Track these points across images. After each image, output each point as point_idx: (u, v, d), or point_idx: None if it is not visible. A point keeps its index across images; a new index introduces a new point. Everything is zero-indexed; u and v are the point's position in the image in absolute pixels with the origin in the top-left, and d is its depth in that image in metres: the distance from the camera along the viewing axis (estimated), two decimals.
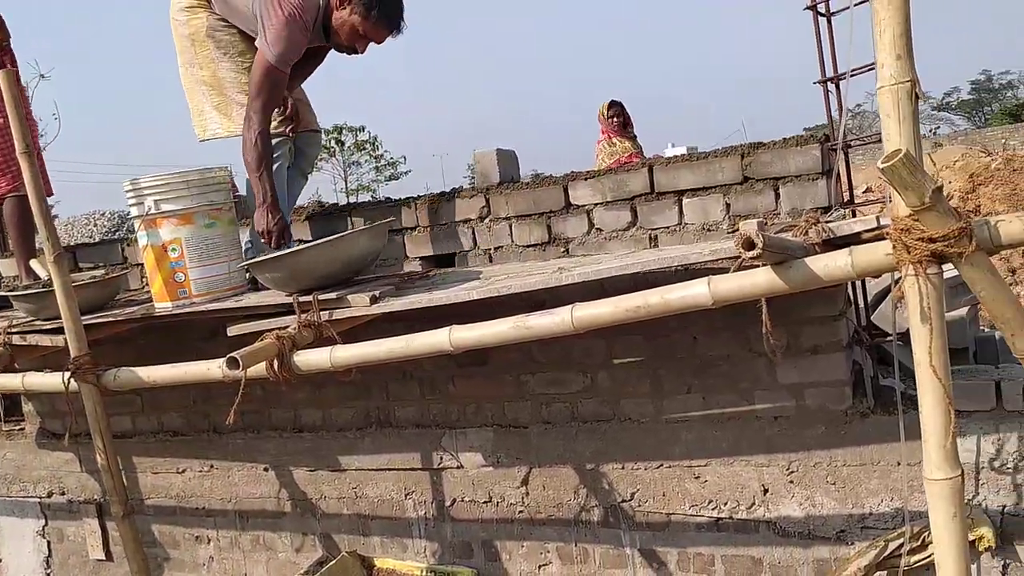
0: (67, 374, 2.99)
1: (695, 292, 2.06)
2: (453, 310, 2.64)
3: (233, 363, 2.48)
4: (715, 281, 2.04)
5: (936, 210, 1.70)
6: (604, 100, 6.95)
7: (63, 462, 4.38)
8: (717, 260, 2.34)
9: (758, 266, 2.04)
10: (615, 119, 6.89)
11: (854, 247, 1.91)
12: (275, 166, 3.36)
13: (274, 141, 3.36)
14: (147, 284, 4.05)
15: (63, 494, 4.41)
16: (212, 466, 4.03)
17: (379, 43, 3.30)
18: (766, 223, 2.68)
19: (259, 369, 2.66)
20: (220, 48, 3.38)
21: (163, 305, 3.14)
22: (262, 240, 3.25)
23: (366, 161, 46.45)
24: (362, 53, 3.40)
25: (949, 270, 2.22)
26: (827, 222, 2.25)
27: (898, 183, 1.67)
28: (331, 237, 2.86)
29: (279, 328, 2.70)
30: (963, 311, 3.68)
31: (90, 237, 15.35)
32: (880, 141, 1.88)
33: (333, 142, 43.79)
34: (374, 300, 2.71)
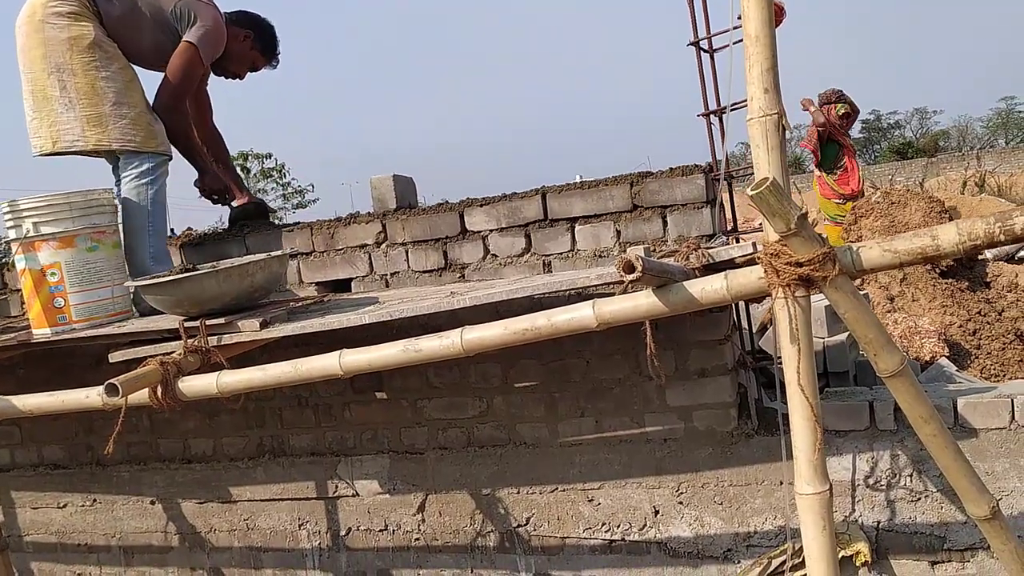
0: None
1: (581, 315, 2.10)
2: (350, 335, 2.63)
3: (112, 390, 2.39)
4: (599, 304, 2.09)
5: (802, 235, 1.78)
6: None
7: None
8: (604, 284, 2.39)
9: (639, 289, 2.11)
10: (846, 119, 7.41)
11: (729, 271, 1.99)
12: (158, 187, 3.37)
13: (156, 161, 3.36)
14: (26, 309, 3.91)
15: None
16: (95, 500, 3.86)
17: (255, 72, 3.86)
18: (653, 249, 2.77)
19: (142, 396, 2.58)
20: (106, 59, 3.32)
21: (42, 331, 3.02)
22: (213, 199, 3.67)
23: (272, 189, 45.71)
24: (242, 79, 3.84)
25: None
26: (708, 248, 2.33)
27: (766, 210, 1.75)
28: (236, 262, 2.82)
29: (163, 354, 2.62)
30: (843, 336, 3.85)
31: None
32: (748, 175, 1.98)
33: (239, 169, 42.89)
34: (264, 325, 2.67)
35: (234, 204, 3.81)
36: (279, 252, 2.87)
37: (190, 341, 2.68)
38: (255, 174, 45.02)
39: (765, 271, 1.88)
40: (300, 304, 3.08)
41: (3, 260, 4.06)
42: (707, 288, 1.99)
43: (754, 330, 3.26)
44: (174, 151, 3.52)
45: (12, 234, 3.01)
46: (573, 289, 2.60)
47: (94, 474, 3.85)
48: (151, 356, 2.61)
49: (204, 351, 2.68)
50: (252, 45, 3.71)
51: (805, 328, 1.85)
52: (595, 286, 2.42)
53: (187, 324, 2.71)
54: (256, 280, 2.75)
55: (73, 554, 3.93)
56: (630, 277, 1.92)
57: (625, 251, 3.04)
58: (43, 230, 2.95)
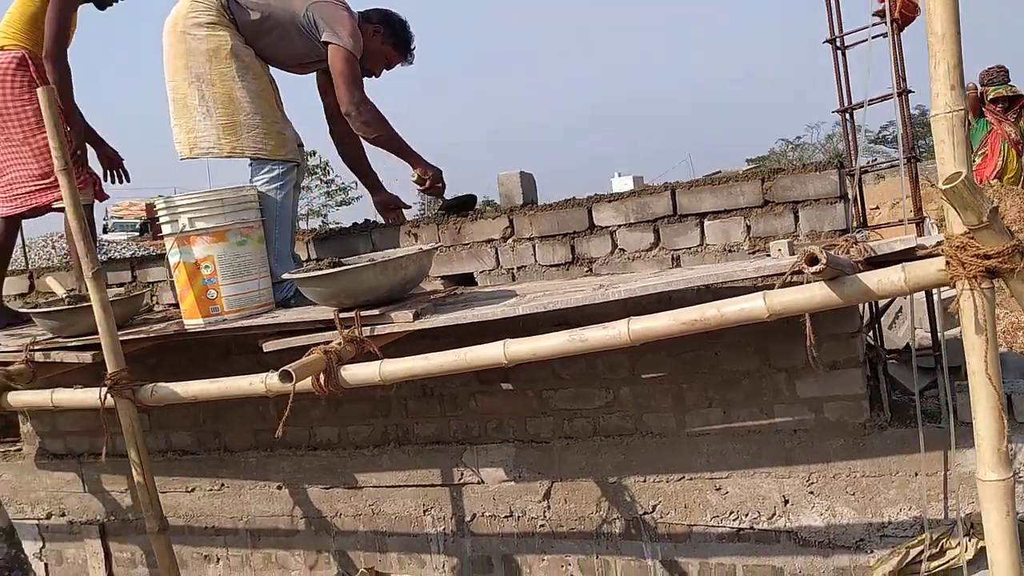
0: (103, 390, 2.98)
1: (752, 306, 2.17)
2: (476, 328, 2.74)
3: (286, 376, 2.51)
4: (771, 295, 2.16)
5: (992, 228, 1.83)
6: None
7: (64, 483, 4.33)
8: (761, 277, 2.46)
9: (802, 282, 2.18)
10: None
11: (906, 263, 2.04)
12: (286, 192, 3.48)
13: (285, 168, 3.47)
14: (157, 302, 4.08)
15: (63, 515, 4.35)
16: (223, 485, 4.02)
17: (390, 69, 3.87)
18: (793, 244, 2.83)
19: (304, 384, 2.70)
20: (242, 68, 3.44)
21: (194, 322, 3.16)
22: (425, 186, 3.69)
23: (316, 186, 46.14)
24: (378, 77, 3.72)
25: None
26: (864, 242, 2.39)
27: (958, 203, 1.81)
28: (390, 255, 2.95)
29: (323, 343, 2.74)
30: (957, 331, 3.86)
31: (48, 260, 15.05)
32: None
33: None
34: (417, 316, 2.78)
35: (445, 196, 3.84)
36: (429, 246, 2.98)
37: (346, 331, 2.80)
38: None
39: (948, 263, 1.93)
40: (439, 297, 3.19)
41: (133, 256, 4.22)
42: (884, 280, 2.05)
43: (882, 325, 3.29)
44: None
45: (167, 229, 3.16)
46: (731, 282, 2.67)
47: (222, 460, 4.01)
48: (313, 345, 2.73)
49: (359, 341, 2.80)
50: (384, 40, 3.73)
51: (991, 319, 1.91)
52: (752, 279, 2.48)
53: (342, 315, 2.83)
54: (409, 273, 2.86)
55: (200, 536, 4.09)
56: (813, 269, 1.99)
57: (756, 246, 3.11)
58: (198, 225, 3.09)
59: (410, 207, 4.07)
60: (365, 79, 3.76)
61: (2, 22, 3.79)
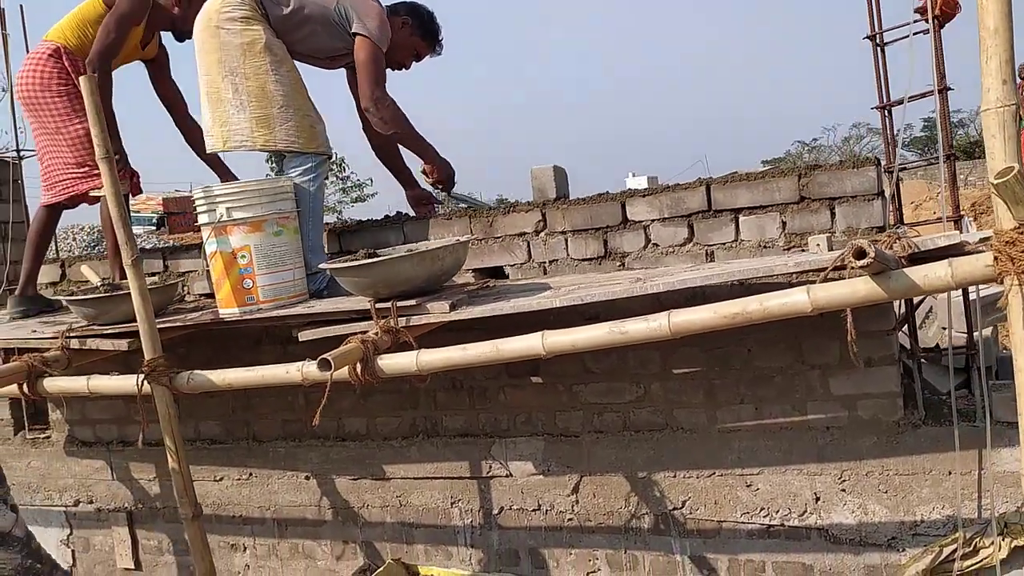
0: (140, 376, 3.01)
1: (795, 299, 2.17)
2: (506, 322, 2.75)
3: (325, 364, 2.53)
4: (815, 289, 2.16)
5: None
6: None
7: (92, 470, 4.37)
8: (801, 272, 2.46)
9: (843, 278, 2.18)
10: None
11: (953, 259, 2.04)
12: (318, 185, 3.51)
13: (317, 161, 3.50)
14: (189, 292, 4.11)
15: (91, 502, 4.39)
16: (251, 474, 4.05)
17: (419, 60, 3.91)
18: (831, 240, 2.82)
19: (340, 374, 2.71)
20: (276, 62, 3.46)
21: (230, 311, 3.18)
22: (439, 186, 3.78)
23: (332, 183, 46.26)
24: (408, 69, 3.74)
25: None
26: (908, 238, 2.38)
27: (1010, 198, 1.81)
28: (427, 247, 2.97)
29: (360, 332, 2.76)
30: (988, 331, 3.85)
31: (69, 251, 15.16)
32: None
33: None
34: (453, 307, 2.79)
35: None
36: (465, 238, 3.00)
37: (382, 321, 2.81)
38: None
39: (997, 259, 1.92)
40: (473, 288, 3.20)
41: (164, 247, 4.26)
42: (930, 275, 2.05)
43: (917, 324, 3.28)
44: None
45: (204, 218, 3.18)
46: (771, 276, 2.67)
47: (250, 449, 4.04)
48: (349, 335, 2.74)
49: (395, 331, 2.81)
50: (412, 32, 3.76)
51: None
52: (792, 274, 2.48)
53: (378, 306, 2.84)
54: (445, 264, 2.87)
55: (228, 525, 4.12)
56: (860, 263, 1.99)
57: (791, 242, 3.10)
58: (235, 215, 3.11)
59: (441, 202, 4.09)
60: (397, 71, 3.80)
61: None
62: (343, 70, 3.86)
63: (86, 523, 4.43)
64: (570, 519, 3.49)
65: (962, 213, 3.24)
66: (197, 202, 3.19)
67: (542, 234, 3.48)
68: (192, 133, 4.08)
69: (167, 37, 4.14)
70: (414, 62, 3.86)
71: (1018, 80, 7.41)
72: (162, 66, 4.16)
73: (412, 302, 2.82)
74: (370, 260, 2.79)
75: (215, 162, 4.06)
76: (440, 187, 3.84)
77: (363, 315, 2.91)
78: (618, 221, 3.36)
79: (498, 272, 3.59)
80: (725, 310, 2.26)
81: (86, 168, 3.73)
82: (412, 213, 3.95)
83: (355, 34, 3.52)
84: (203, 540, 3.13)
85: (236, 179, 3.91)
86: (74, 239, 15.13)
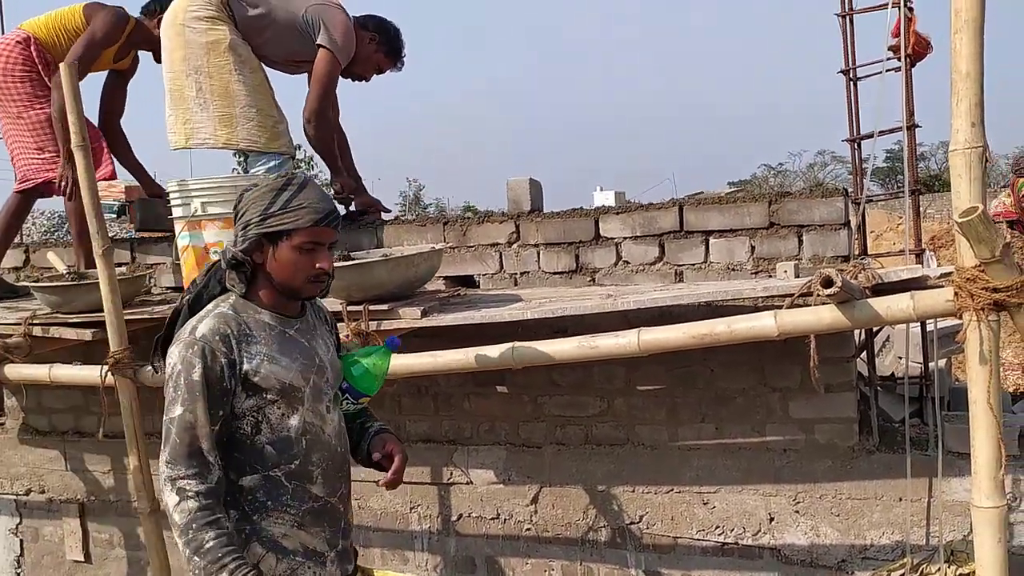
0: (105, 368, 2.98)
1: (762, 324, 2.23)
2: (474, 331, 2.80)
3: None
4: (782, 315, 2.21)
5: (1004, 263, 1.90)
6: None
7: (46, 460, 4.30)
8: (769, 297, 2.51)
9: (810, 304, 2.24)
10: None
11: (915, 292, 2.11)
12: None
13: (280, 160, 3.54)
14: (155, 285, 4.08)
15: (43, 492, 4.32)
16: None
17: (380, 74, 4.00)
18: (799, 267, 2.89)
19: None
20: (240, 62, 3.51)
21: None
22: (369, 215, 3.83)
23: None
24: (367, 81, 4.00)
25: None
26: (872, 269, 2.45)
27: (973, 237, 1.87)
28: (403, 252, 2.98)
29: None
30: (943, 363, 3.95)
31: (28, 235, 14.85)
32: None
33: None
34: (425, 314, 2.81)
35: (352, 208, 3.95)
36: (439, 245, 3.02)
37: (353, 324, 2.82)
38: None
39: (957, 294, 1.99)
40: (444, 296, 3.22)
41: (132, 238, 4.22)
42: (893, 307, 2.11)
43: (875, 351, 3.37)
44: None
45: (178, 212, 3.16)
46: (734, 300, 2.72)
47: None
48: None
49: (365, 335, 2.82)
50: (378, 48, 3.84)
51: (996, 351, 1.97)
52: (758, 298, 2.54)
53: (349, 308, 2.85)
54: (419, 271, 2.89)
55: None
56: (827, 292, 2.05)
57: (759, 266, 3.17)
58: (210, 210, 3.10)
59: (390, 211, 4.13)
60: (355, 82, 3.87)
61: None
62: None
63: (36, 513, 4.36)
64: (528, 529, 3.52)
65: (923, 247, 3.34)
66: (171, 195, 3.17)
67: (515, 245, 3.51)
68: (118, 138, 4.19)
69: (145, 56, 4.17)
70: (375, 75, 3.93)
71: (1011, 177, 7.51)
72: (126, 79, 4.21)
73: (384, 306, 2.84)
74: (344, 263, 2.80)
75: (137, 169, 4.23)
76: (341, 202, 3.89)
77: (336, 317, 2.91)
78: (591, 237, 3.40)
79: (469, 281, 3.62)
80: (694, 331, 2.30)
81: (48, 154, 3.72)
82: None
83: (319, 45, 3.56)
84: (159, 535, 3.10)
85: (162, 190, 3.93)
86: (34, 223, 14.84)
